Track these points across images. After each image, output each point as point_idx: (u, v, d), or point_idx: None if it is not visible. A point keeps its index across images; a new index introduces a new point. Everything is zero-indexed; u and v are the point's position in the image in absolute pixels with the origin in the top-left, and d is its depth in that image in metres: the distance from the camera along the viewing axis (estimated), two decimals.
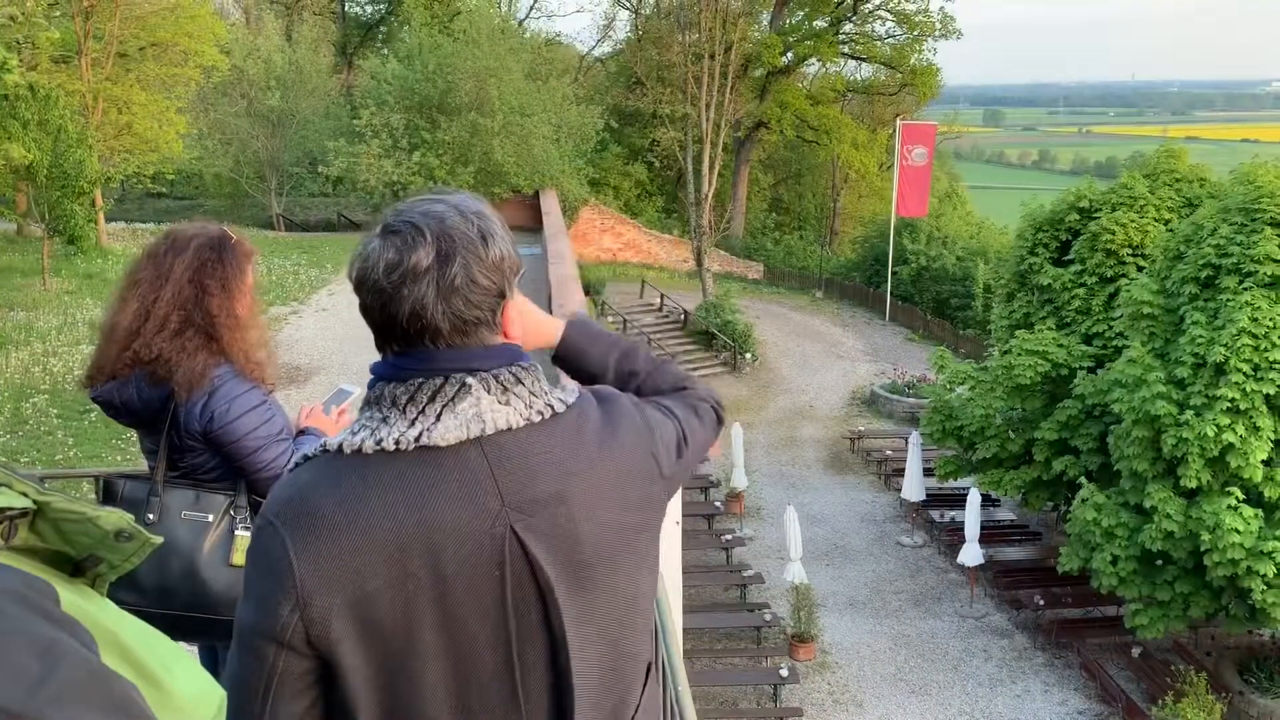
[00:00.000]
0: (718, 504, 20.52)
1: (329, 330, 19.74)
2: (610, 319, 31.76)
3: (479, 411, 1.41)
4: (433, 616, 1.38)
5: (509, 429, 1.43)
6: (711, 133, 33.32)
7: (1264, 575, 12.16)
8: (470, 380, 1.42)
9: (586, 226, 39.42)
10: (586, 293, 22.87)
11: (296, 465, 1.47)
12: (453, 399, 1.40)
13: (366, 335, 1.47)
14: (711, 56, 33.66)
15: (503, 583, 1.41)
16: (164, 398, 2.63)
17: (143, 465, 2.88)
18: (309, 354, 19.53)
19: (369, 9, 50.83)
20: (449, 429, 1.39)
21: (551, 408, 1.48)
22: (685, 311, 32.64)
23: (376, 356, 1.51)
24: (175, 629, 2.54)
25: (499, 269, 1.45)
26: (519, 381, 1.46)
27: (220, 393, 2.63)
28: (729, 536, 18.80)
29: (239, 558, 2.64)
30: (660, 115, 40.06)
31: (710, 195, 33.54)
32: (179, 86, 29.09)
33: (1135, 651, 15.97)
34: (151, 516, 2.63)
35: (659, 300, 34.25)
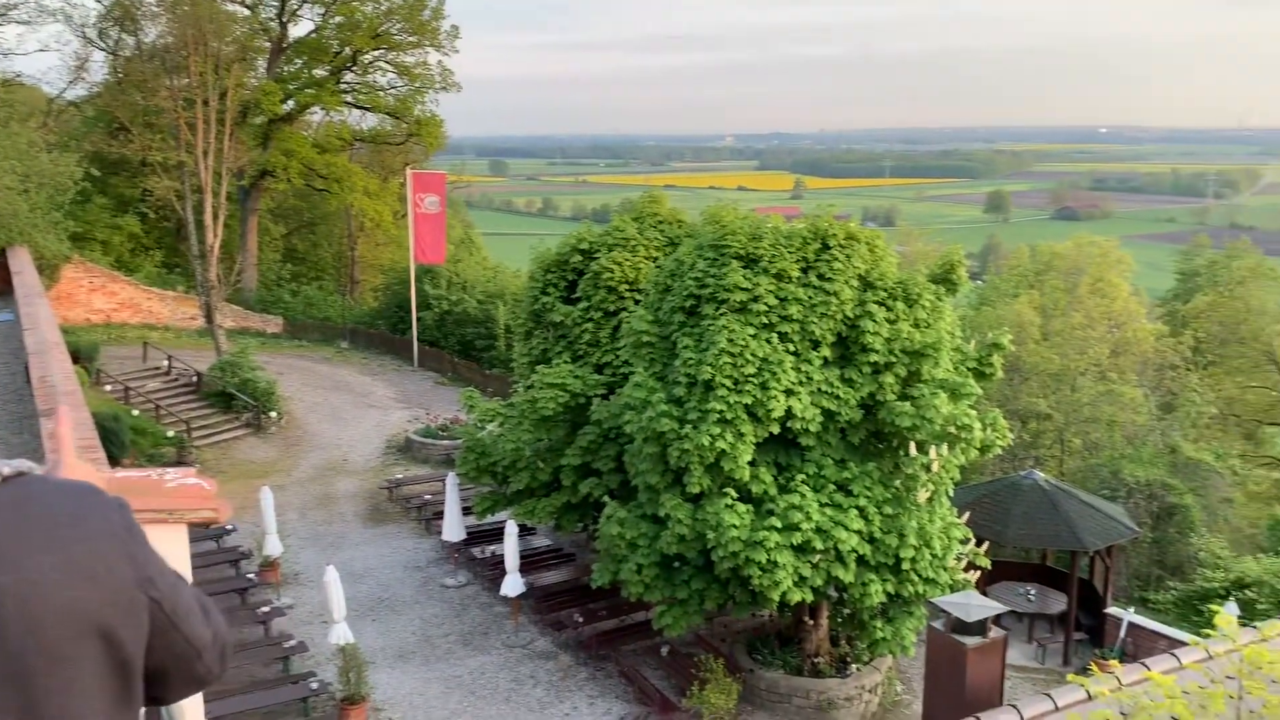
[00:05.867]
0: (251, 576, 19.19)
1: None
2: (109, 388, 28.52)
3: None
4: None
5: None
6: (212, 182, 31.42)
7: (759, 562, 13.88)
8: None
9: (71, 286, 35.41)
10: (75, 360, 20.35)
11: None
12: None
13: None
14: (205, 103, 31.85)
15: None
16: None
17: None
18: None
19: None
20: None
21: None
22: (198, 373, 30.29)
23: None
24: None
25: None
26: None
27: None
28: (266, 608, 17.64)
29: None
30: (151, 163, 36.96)
31: (216, 247, 31.51)
32: None
33: (664, 650, 17.47)
34: None
35: (166, 363, 31.50)
